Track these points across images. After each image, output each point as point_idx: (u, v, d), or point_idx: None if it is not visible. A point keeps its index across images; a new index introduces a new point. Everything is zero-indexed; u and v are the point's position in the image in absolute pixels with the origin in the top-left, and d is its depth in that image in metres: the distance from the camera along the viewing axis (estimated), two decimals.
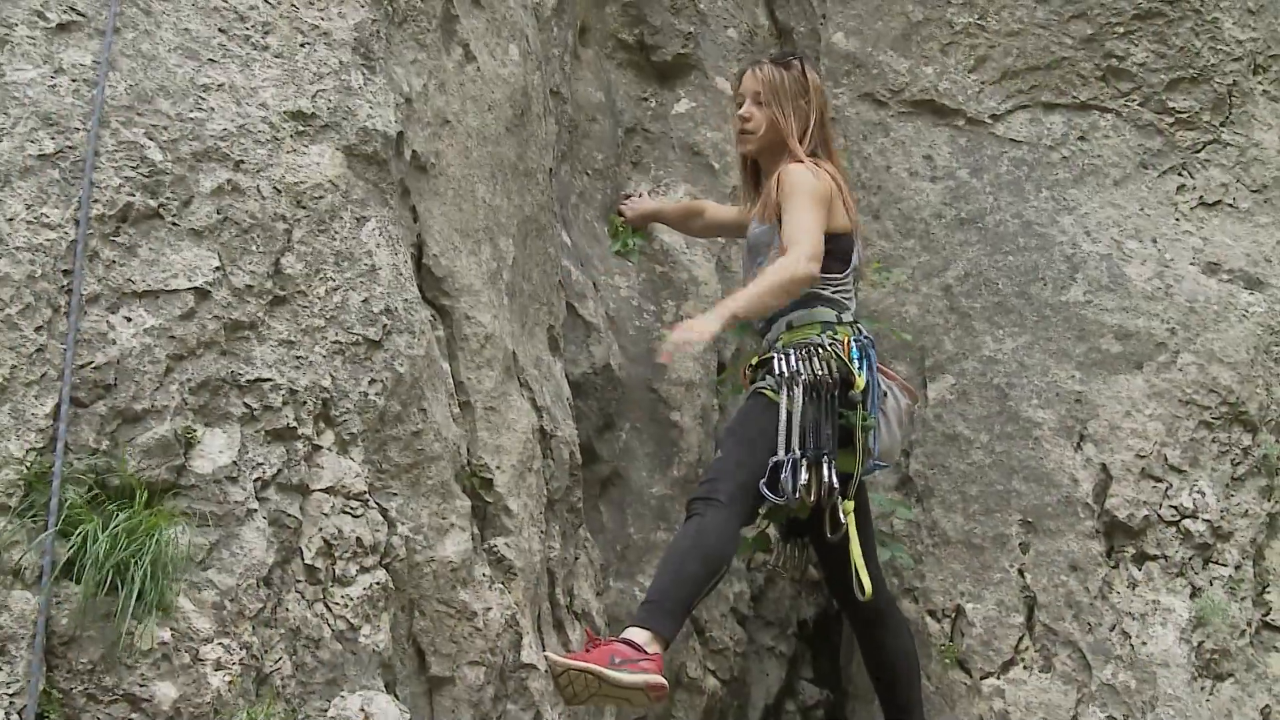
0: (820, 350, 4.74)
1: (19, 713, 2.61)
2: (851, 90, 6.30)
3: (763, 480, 4.62)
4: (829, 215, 4.89)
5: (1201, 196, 5.79)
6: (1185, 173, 5.83)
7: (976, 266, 5.84)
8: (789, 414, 4.67)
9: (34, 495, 2.77)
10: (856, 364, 4.75)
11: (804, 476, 4.59)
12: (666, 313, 5.90)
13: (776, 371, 4.75)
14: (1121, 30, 5.90)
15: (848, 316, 4.94)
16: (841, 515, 4.70)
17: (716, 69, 6.60)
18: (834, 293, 4.94)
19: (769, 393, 4.78)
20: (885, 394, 4.86)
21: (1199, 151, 5.84)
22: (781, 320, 4.92)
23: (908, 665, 5.05)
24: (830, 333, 4.82)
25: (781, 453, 4.64)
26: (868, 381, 4.75)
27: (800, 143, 4.97)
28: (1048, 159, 5.93)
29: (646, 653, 4.32)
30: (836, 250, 4.94)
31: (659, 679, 4.27)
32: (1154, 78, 5.88)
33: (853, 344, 4.79)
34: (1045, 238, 5.79)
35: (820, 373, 4.69)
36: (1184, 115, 5.85)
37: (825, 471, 4.62)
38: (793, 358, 4.74)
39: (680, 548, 4.66)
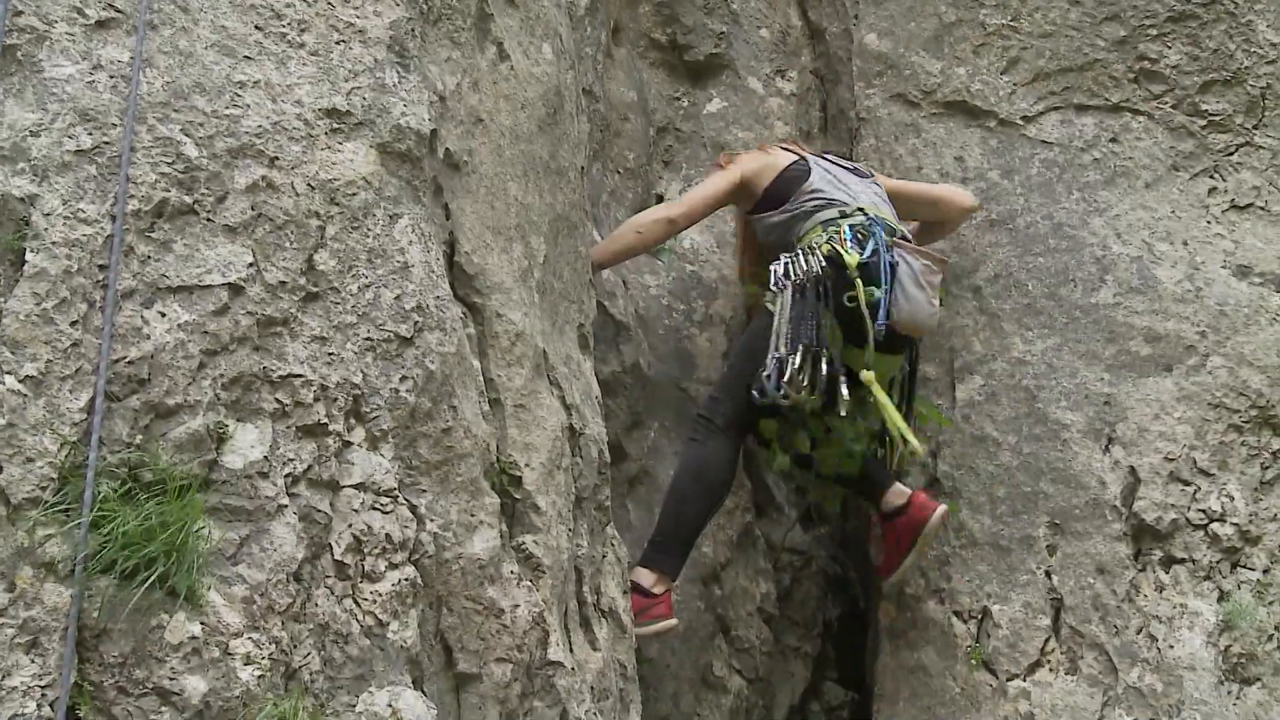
0: (813, 248, 4.90)
1: (51, 705, 2.62)
2: (883, 91, 6.30)
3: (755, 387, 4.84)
4: (739, 177, 5.44)
5: (1233, 199, 5.78)
6: (1217, 175, 5.81)
7: (1006, 268, 5.85)
8: (776, 318, 4.85)
9: (67, 488, 2.77)
10: (849, 244, 4.91)
11: (794, 370, 4.74)
12: (696, 312, 5.91)
13: (770, 282, 4.96)
14: (1155, 33, 5.89)
15: (852, 209, 5.13)
16: (844, 391, 4.83)
17: (749, 69, 6.61)
18: (824, 199, 5.20)
19: (768, 304, 5.02)
20: (896, 264, 4.94)
21: (1231, 154, 5.83)
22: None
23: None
24: (834, 228, 5.01)
25: (769, 358, 4.78)
26: (862, 260, 4.87)
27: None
28: (1079, 161, 5.93)
29: (655, 595, 4.81)
30: (788, 181, 5.33)
31: (670, 622, 4.82)
32: (1187, 80, 5.87)
33: (848, 228, 4.96)
34: (1076, 239, 5.78)
35: (808, 268, 4.84)
36: (1216, 118, 5.84)
37: (824, 365, 4.77)
38: (782, 263, 4.95)
39: (682, 484, 5.06)
